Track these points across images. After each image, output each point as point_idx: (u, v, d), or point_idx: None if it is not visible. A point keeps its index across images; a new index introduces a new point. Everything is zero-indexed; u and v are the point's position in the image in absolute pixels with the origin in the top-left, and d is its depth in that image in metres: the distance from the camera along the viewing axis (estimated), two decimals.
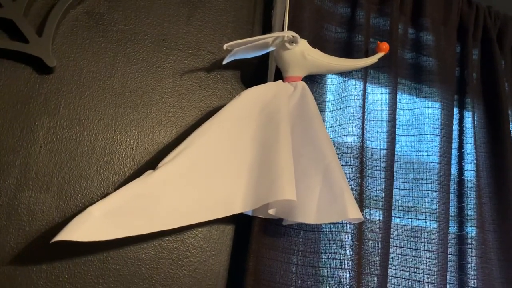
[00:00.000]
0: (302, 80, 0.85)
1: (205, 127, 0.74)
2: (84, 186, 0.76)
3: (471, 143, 1.02)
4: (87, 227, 0.62)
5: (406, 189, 0.96)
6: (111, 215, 0.64)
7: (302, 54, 0.82)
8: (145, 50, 0.85)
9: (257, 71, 0.93)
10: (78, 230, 0.61)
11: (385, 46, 0.91)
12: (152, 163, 0.80)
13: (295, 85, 0.84)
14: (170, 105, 0.85)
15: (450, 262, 0.96)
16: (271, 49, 0.85)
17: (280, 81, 0.84)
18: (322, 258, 0.82)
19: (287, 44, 0.82)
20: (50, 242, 0.60)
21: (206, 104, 0.88)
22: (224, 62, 0.84)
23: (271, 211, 0.77)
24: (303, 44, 0.83)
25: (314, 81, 0.92)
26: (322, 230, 0.84)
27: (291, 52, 0.82)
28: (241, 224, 0.86)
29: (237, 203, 0.74)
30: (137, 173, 0.78)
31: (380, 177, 0.91)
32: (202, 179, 0.72)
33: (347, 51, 0.96)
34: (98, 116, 0.79)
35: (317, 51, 0.85)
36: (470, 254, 0.97)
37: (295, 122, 0.82)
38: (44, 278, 0.71)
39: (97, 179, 0.77)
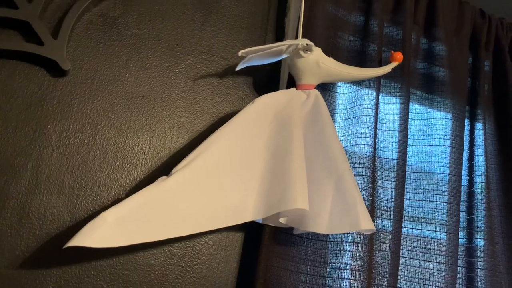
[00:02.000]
0: (315, 88, 0.85)
1: (218, 134, 0.73)
2: (96, 190, 0.76)
3: (481, 155, 1.02)
4: (101, 233, 0.61)
5: (416, 200, 0.96)
6: (124, 221, 0.63)
7: (316, 63, 0.82)
8: (159, 55, 0.85)
9: (269, 78, 0.92)
10: (92, 236, 0.61)
11: (399, 56, 0.90)
12: (164, 168, 0.80)
13: (308, 93, 0.83)
14: (182, 110, 0.84)
15: (459, 274, 0.96)
16: (284, 56, 0.85)
17: (294, 88, 0.83)
18: (332, 268, 0.81)
19: (301, 52, 0.81)
20: (63, 247, 0.60)
21: (218, 110, 0.87)
22: (237, 69, 0.83)
23: (282, 220, 0.76)
24: (317, 52, 0.83)
25: (327, 89, 0.92)
26: (332, 240, 0.83)
27: (305, 60, 0.82)
28: (251, 231, 0.85)
29: (248, 211, 0.73)
30: (148, 178, 0.78)
31: (391, 187, 0.90)
32: (215, 186, 0.71)
33: (360, 60, 0.96)
34: (111, 120, 0.79)
35: (331, 59, 0.84)
36: (480, 267, 0.96)
37: (308, 130, 0.81)
38: (53, 282, 0.71)
39: (108, 183, 0.77)
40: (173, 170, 0.68)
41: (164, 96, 0.83)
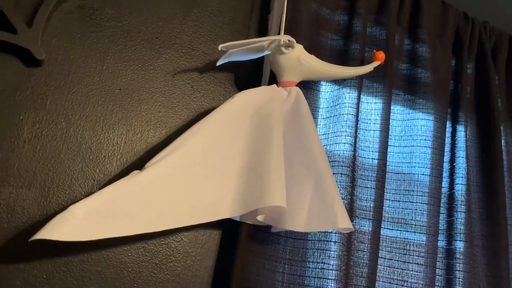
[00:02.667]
0: (296, 85, 0.84)
1: (195, 128, 0.72)
2: (68, 184, 0.74)
3: (463, 157, 1.02)
4: (69, 226, 0.59)
5: (396, 201, 0.95)
6: (94, 215, 0.61)
7: (298, 59, 0.81)
8: (138, 48, 0.83)
9: (251, 75, 0.91)
10: (59, 229, 0.59)
11: (381, 55, 0.90)
12: (139, 163, 0.78)
13: (289, 90, 0.82)
14: (160, 105, 0.83)
15: (437, 277, 0.95)
16: (266, 53, 0.84)
17: (275, 85, 0.82)
18: (309, 268, 0.80)
19: (283, 49, 0.80)
20: (29, 240, 0.58)
21: (198, 106, 0.86)
22: (218, 64, 0.82)
23: (259, 218, 0.75)
24: (299, 49, 0.82)
25: (308, 87, 0.91)
26: (310, 238, 0.82)
27: (287, 56, 0.81)
28: (228, 229, 0.84)
29: (225, 208, 0.72)
30: (123, 173, 0.76)
31: (371, 187, 0.89)
32: (191, 182, 0.70)
33: (342, 59, 0.95)
34: (86, 112, 0.77)
35: (313, 57, 0.83)
36: (458, 269, 0.96)
37: (288, 128, 0.80)
38: (21, 277, 0.68)
39: (81, 177, 0.75)
40: (147, 164, 0.67)
41: (142, 90, 0.82)
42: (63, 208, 0.71)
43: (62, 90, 0.76)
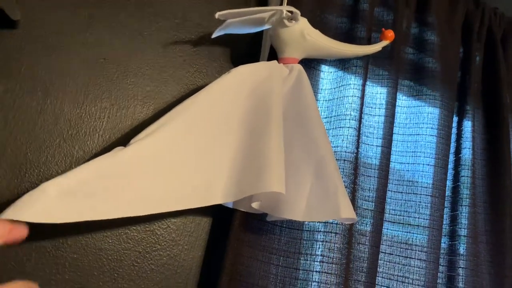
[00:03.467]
0: (298, 63, 0.77)
1: (187, 103, 0.65)
2: (43, 161, 0.66)
3: (469, 148, 0.96)
4: (41, 206, 0.52)
5: (399, 192, 0.89)
6: (70, 195, 0.54)
7: (302, 34, 0.74)
8: (126, 15, 0.75)
9: (249, 50, 0.84)
10: (30, 210, 0.51)
11: (390, 34, 0.83)
12: (123, 141, 0.70)
13: (291, 67, 0.76)
14: (149, 79, 0.75)
15: (439, 273, 0.90)
16: (266, 26, 0.77)
17: (275, 61, 0.75)
18: (307, 260, 0.74)
19: (285, 21, 0.73)
20: None
21: (190, 81, 0.79)
22: (214, 36, 0.75)
23: (254, 205, 0.68)
24: (303, 22, 0.75)
25: (311, 66, 0.84)
26: (309, 229, 0.76)
27: (290, 30, 0.74)
28: (219, 217, 0.77)
29: (217, 193, 0.65)
30: (105, 151, 0.68)
31: (374, 176, 0.83)
32: (180, 162, 0.62)
33: (347, 41, 0.88)
34: (66, 83, 0.69)
35: (317, 32, 0.77)
36: (461, 266, 0.90)
37: (288, 109, 0.73)
38: None
39: (58, 154, 0.67)
40: (132, 141, 0.59)
41: (129, 61, 0.74)
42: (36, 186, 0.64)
43: (39, 56, 0.68)
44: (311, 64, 0.84)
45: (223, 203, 0.72)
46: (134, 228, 0.70)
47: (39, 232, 0.64)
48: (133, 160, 0.58)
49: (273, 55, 0.78)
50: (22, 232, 0.47)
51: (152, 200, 0.59)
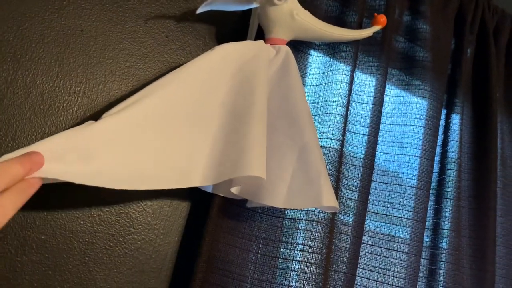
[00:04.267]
0: (286, 45, 0.74)
1: (167, 79, 0.61)
2: (12, 135, 0.62)
3: (456, 141, 0.95)
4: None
5: (383, 183, 0.87)
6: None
7: (291, 14, 0.71)
8: None
9: (235, 30, 0.81)
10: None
11: (383, 19, 0.81)
12: (98, 118, 0.67)
13: (278, 48, 0.72)
14: (128, 54, 0.71)
15: (421, 267, 0.88)
16: (254, 5, 0.73)
17: (262, 41, 0.72)
18: (287, 249, 0.72)
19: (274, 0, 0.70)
20: None
21: (172, 59, 0.75)
22: (199, 11, 0.71)
23: (234, 190, 0.65)
24: (292, 2, 0.71)
25: (299, 49, 0.81)
26: (290, 217, 0.73)
27: (279, 9, 0.70)
28: (197, 202, 0.74)
29: (196, 175, 0.61)
30: None
31: (359, 165, 0.81)
32: (156, 140, 0.59)
33: (337, 25, 0.85)
34: (39, 53, 0.65)
35: (307, 13, 0.73)
36: (443, 260, 0.89)
37: (273, 91, 0.70)
38: None
39: (28, 128, 0.63)
40: (104, 115, 0.55)
41: (108, 34, 0.70)
42: None
43: (10, 24, 0.64)
44: (299, 47, 0.81)
45: (201, 187, 0.69)
46: (108, 210, 0.67)
47: None
48: (104, 134, 0.54)
49: (260, 35, 0.75)
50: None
51: (124, 177, 0.55)
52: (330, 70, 0.81)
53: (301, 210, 0.73)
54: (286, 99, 0.70)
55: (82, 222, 0.65)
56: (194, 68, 0.63)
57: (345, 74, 0.79)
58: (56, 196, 0.64)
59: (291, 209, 0.73)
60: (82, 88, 0.67)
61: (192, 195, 0.73)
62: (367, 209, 0.82)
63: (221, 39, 0.79)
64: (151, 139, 0.58)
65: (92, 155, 0.52)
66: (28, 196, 0.43)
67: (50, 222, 0.63)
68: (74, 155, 0.51)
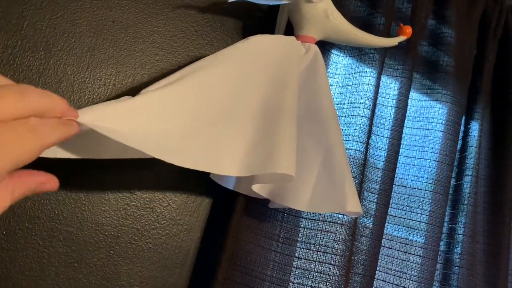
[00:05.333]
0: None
1: (206, 62, 0.59)
2: None
3: (475, 147, 0.95)
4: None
5: (403, 186, 0.87)
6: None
7: (326, 13, 0.70)
8: None
9: (262, 26, 0.80)
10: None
11: (408, 30, 0.80)
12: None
13: (308, 47, 0.72)
14: (158, 47, 0.71)
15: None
16: (286, 1, 0.72)
17: (294, 37, 0.71)
18: (310, 250, 0.72)
19: None
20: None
21: (200, 53, 0.74)
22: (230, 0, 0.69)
23: (255, 187, 0.63)
24: (328, 2, 0.71)
25: (325, 49, 0.81)
26: (313, 218, 0.74)
27: (313, 7, 0.70)
28: (219, 199, 0.74)
29: (224, 164, 0.58)
30: None
31: (381, 168, 0.81)
32: (191, 121, 0.56)
33: (363, 26, 0.85)
34: (71, 44, 0.64)
35: (340, 14, 0.73)
36: (457, 264, 0.90)
37: (301, 90, 0.69)
38: None
39: None
40: (142, 91, 0.54)
41: (138, 26, 0.69)
42: None
43: (43, 13, 0.63)
44: (326, 47, 0.81)
45: (224, 184, 0.68)
46: (134, 204, 0.67)
47: (33, 201, 0.60)
48: (141, 107, 0.51)
49: (288, 33, 0.74)
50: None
51: (151, 144, 0.51)
52: (358, 72, 0.80)
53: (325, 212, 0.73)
54: (313, 100, 0.69)
55: (108, 216, 0.65)
56: (231, 56, 0.61)
57: (372, 77, 0.79)
58: (83, 189, 0.63)
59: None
60: (112, 81, 0.67)
61: (215, 191, 0.73)
62: (388, 212, 0.82)
63: (248, 35, 0.78)
64: (186, 119, 0.56)
65: (128, 121, 0.50)
66: (66, 135, 0.38)
67: (77, 214, 0.63)
68: (110, 119, 0.49)
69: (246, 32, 0.79)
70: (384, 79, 0.86)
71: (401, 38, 0.81)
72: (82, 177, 0.64)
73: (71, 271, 0.62)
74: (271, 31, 0.79)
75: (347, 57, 0.83)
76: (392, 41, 0.80)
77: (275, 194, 0.66)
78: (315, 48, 0.72)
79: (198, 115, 0.57)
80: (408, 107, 0.90)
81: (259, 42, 0.64)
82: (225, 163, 0.57)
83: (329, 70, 0.81)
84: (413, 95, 0.92)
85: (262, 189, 0.65)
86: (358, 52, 0.82)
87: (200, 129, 0.56)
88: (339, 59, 0.83)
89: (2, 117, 0.30)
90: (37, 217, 0.60)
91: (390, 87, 0.85)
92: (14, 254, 0.58)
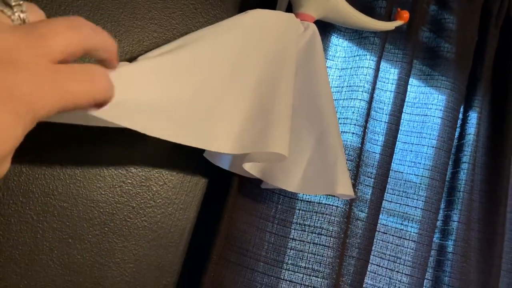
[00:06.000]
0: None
1: (205, 33, 0.57)
2: None
3: (473, 135, 0.95)
4: None
5: (399, 172, 0.87)
6: None
7: None
8: None
9: (262, 7, 0.79)
10: None
11: (406, 15, 0.79)
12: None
13: (307, 25, 0.70)
14: (157, 24, 0.70)
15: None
16: None
17: (293, 14, 0.70)
18: (304, 231, 0.72)
19: None
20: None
21: None
22: None
23: (247, 166, 0.62)
24: None
25: (325, 30, 0.80)
26: (309, 200, 0.73)
27: None
28: (216, 179, 0.73)
29: (217, 141, 0.56)
30: None
31: (378, 153, 0.81)
32: (186, 93, 0.54)
33: (364, 9, 0.84)
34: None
35: None
36: (451, 251, 0.90)
37: (298, 70, 0.68)
38: None
39: None
40: (140, 58, 0.52)
41: (137, 2, 0.68)
42: None
43: None
44: (325, 28, 0.80)
45: (219, 163, 0.68)
46: (130, 182, 0.66)
47: (27, 175, 0.59)
48: (135, 75, 0.49)
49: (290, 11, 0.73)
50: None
51: (141, 118, 0.49)
52: (357, 55, 0.79)
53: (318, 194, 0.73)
54: (309, 80, 0.68)
55: (103, 193, 0.64)
56: (230, 29, 0.60)
57: (372, 60, 0.78)
58: (79, 165, 0.63)
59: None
60: None
61: (211, 172, 0.72)
62: (384, 198, 0.82)
63: None
64: (181, 91, 0.53)
65: (119, 90, 0.47)
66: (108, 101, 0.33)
67: (72, 190, 0.62)
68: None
69: (246, 10, 0.78)
70: (384, 63, 0.85)
71: (398, 23, 0.80)
72: (77, 153, 0.63)
73: (65, 246, 0.61)
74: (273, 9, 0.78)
75: (347, 41, 0.82)
76: (389, 25, 0.79)
77: (267, 174, 0.65)
78: (314, 27, 0.71)
79: (193, 88, 0.55)
80: (408, 93, 0.90)
81: (258, 17, 0.63)
82: (219, 140, 0.56)
83: (328, 52, 0.81)
84: (413, 81, 0.91)
85: (254, 168, 0.64)
86: (358, 36, 0.81)
87: (194, 103, 0.55)
88: (339, 42, 0.82)
89: (55, 56, 0.27)
90: (31, 191, 0.60)
91: (390, 71, 0.85)
92: (7, 228, 0.58)
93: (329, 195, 0.73)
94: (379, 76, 0.83)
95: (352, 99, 0.77)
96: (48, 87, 0.26)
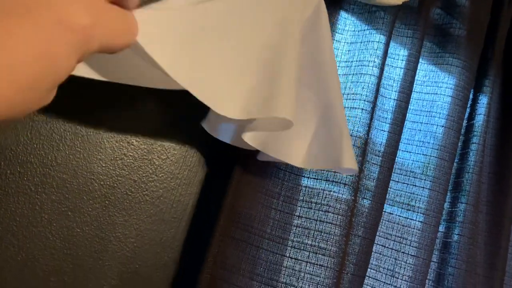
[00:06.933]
0: None
1: None
2: None
3: (483, 115, 0.92)
4: None
5: (408, 152, 0.85)
6: None
7: None
8: None
9: None
10: None
11: None
12: None
13: None
14: None
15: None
16: None
17: None
18: (310, 209, 0.70)
19: None
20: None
21: None
22: None
23: (246, 137, 0.58)
24: None
25: (334, 2, 0.77)
26: (316, 177, 0.71)
27: None
28: (220, 154, 0.71)
29: (224, 103, 0.52)
30: None
31: (386, 131, 0.79)
32: (199, 49, 0.50)
33: None
34: None
35: None
36: (458, 233, 0.88)
37: (303, 40, 0.65)
38: None
39: None
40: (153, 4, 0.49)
41: None
42: None
43: None
44: (335, 2, 0.77)
45: (220, 137, 0.65)
46: (131, 154, 0.64)
47: (25, 145, 0.57)
48: (149, 23, 0.42)
49: None
50: None
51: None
52: (367, 29, 0.77)
53: (327, 170, 0.71)
54: (314, 52, 0.65)
55: (104, 165, 0.62)
56: None
57: (382, 35, 0.75)
58: (78, 136, 0.61)
59: (316, 169, 0.71)
60: None
61: (215, 146, 0.70)
62: (391, 177, 0.80)
63: None
64: (195, 46, 0.50)
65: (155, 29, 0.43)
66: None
67: (72, 162, 0.60)
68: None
69: None
70: (394, 40, 0.82)
71: None
72: (77, 123, 0.61)
73: (64, 219, 0.60)
74: None
75: (357, 15, 0.79)
76: (396, 0, 0.76)
77: (269, 146, 0.61)
78: None
79: (203, 47, 0.52)
80: (417, 71, 0.87)
81: None
82: (226, 103, 0.52)
83: (337, 26, 0.78)
84: (423, 59, 0.89)
85: (255, 139, 0.61)
86: (368, 9, 0.78)
87: (207, 61, 0.51)
88: (347, 15, 0.79)
89: None
90: (29, 162, 0.58)
91: (400, 48, 0.82)
92: (5, 199, 0.56)
93: (333, 171, 0.71)
94: (388, 52, 0.80)
95: (361, 74, 0.74)
96: (103, 24, 0.28)
